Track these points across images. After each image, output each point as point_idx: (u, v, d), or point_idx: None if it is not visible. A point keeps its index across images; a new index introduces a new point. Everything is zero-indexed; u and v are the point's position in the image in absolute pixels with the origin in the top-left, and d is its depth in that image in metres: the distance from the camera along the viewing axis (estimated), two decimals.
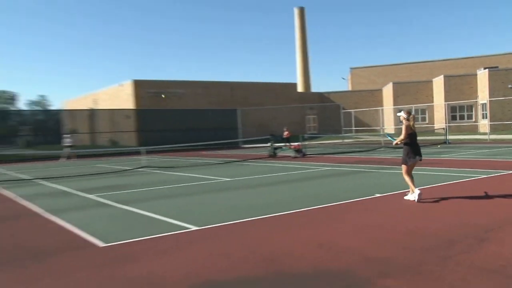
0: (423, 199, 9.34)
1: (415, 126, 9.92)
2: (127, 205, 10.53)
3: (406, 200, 9.66)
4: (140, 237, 7.18)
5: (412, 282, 4.71)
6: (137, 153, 29.62)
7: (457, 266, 5.19)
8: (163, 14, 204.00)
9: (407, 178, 9.66)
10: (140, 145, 32.77)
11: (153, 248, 6.56)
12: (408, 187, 9.72)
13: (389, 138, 11.45)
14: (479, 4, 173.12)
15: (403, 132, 9.63)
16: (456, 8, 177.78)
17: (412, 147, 9.67)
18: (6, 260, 6.34)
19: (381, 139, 37.06)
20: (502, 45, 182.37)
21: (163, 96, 46.62)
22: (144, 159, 24.23)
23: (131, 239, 7.08)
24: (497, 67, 47.67)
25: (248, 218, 8.39)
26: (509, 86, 43.06)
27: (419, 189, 9.50)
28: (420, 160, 9.84)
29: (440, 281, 4.71)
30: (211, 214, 9.05)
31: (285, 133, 35.61)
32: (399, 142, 9.94)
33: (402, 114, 9.85)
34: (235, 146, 40.46)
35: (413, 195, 9.46)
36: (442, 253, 5.69)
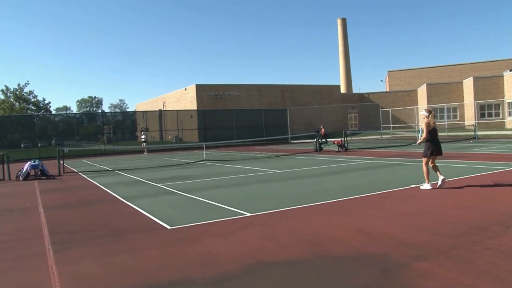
0: (444, 187, 9.14)
1: (436, 123, 9.80)
2: (189, 193, 10.67)
3: (436, 189, 9.42)
4: (201, 221, 7.26)
5: (444, 265, 4.55)
6: (199, 148, 30.04)
7: (485, 250, 5.00)
8: (222, 28, 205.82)
9: (425, 169, 9.66)
10: (201, 141, 33.22)
11: (211, 231, 6.61)
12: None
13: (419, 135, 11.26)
14: (501, 13, 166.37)
15: (424, 130, 9.60)
16: (481, 20, 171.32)
17: (432, 142, 9.60)
18: (94, 236, 6.57)
19: (416, 135, 36.20)
20: None
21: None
22: (204, 153, 24.52)
23: (193, 223, 7.17)
24: None
25: (295, 206, 8.33)
26: None
27: (430, 184, 9.54)
28: (440, 155, 9.75)
29: (470, 264, 4.55)
30: (262, 202, 9.04)
31: (322, 130, 35.35)
32: (422, 141, 9.80)
33: (424, 113, 9.78)
34: (284, 141, 40.37)
35: (427, 185, 9.52)
36: (472, 239, 5.49)
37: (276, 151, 28.41)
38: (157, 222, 7.38)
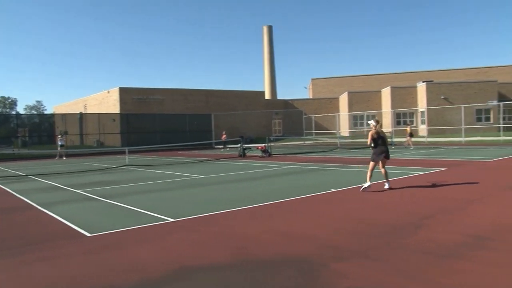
0: (369, 190, 9.58)
1: (383, 131, 10.79)
2: (110, 199, 10.40)
3: (355, 193, 9.92)
4: (123, 227, 7.11)
5: (361, 265, 4.81)
6: (121, 152, 29.34)
7: (398, 249, 5.33)
8: (146, 28, 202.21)
9: (369, 172, 10.40)
10: (124, 146, 32.46)
11: (134, 237, 6.50)
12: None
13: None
14: (417, 29, 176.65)
15: (369, 137, 10.51)
16: (398, 32, 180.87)
17: (378, 148, 10.41)
18: (5, 248, 6.21)
19: (338, 141, 37.43)
20: (437, 62, 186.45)
21: None
22: (127, 158, 23.99)
23: (115, 229, 7.00)
24: (432, 80, 48.83)
25: (219, 211, 8.37)
26: (442, 97, 44.19)
27: (371, 183, 10.26)
28: (386, 158, 10.60)
29: (384, 263, 4.84)
30: (186, 207, 9.01)
31: (223, 136, 35.89)
32: (368, 146, 10.81)
33: (372, 123, 10.65)
34: (209, 147, 40.33)
35: (366, 184, 10.26)
36: (386, 239, 5.82)
37: (200, 156, 28.33)
38: (76, 230, 7.13)
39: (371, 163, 10.47)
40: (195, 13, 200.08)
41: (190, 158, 26.71)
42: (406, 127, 30.88)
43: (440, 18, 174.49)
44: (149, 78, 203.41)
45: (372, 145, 10.47)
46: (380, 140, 10.45)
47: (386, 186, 10.47)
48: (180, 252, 5.62)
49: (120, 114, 43.65)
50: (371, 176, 10.31)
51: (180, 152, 35.21)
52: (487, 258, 4.93)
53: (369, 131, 10.56)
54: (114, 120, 42.78)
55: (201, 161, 24.01)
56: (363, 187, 10.24)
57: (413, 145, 30.45)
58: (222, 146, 35.14)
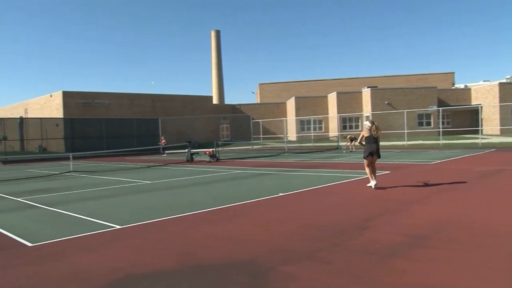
0: (310, 194, 9.68)
1: (379, 131, 11.29)
2: (54, 207, 10.06)
3: (302, 197, 10.07)
4: (66, 236, 6.89)
5: (307, 267, 4.89)
6: (65, 158, 28.48)
7: (344, 251, 5.47)
8: (90, 30, 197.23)
9: (367, 170, 11.20)
10: (68, 151, 31.54)
11: (78, 245, 6.32)
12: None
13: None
14: (361, 36, 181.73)
15: (360, 135, 11.48)
16: (342, 39, 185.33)
17: (368, 147, 11.12)
18: None
19: (285, 145, 37.85)
20: (380, 69, 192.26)
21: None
22: (71, 164, 23.31)
23: (58, 238, 6.78)
24: (376, 86, 50.33)
25: (166, 216, 8.29)
26: (385, 102, 45.66)
27: (374, 181, 11.00)
28: (376, 157, 11.17)
29: (330, 265, 4.94)
30: (133, 214, 8.85)
31: (162, 141, 35.69)
32: (359, 143, 11.74)
33: (367, 123, 11.37)
34: (156, 152, 39.75)
35: (372, 183, 11.00)
36: (332, 241, 5.95)
37: (147, 162, 27.91)
38: (16, 240, 6.85)
39: (365, 161, 11.23)
40: (142, 16, 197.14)
41: (137, 164, 26.27)
42: (348, 135, 31.82)
43: (382, 27, 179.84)
44: (94, 82, 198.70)
45: (363, 142, 11.31)
46: (371, 139, 11.10)
47: (373, 183, 11.00)
48: (126, 260, 5.52)
49: (64, 118, 42.37)
50: (371, 174, 11.07)
51: (127, 158, 34.55)
52: (425, 255, 5.15)
53: (350, 134, 11.31)
54: (57, 125, 41.46)
55: (149, 166, 23.66)
56: (368, 184, 11.15)
57: (359, 149, 31.25)
58: (161, 152, 35.01)
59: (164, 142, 36.12)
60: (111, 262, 5.43)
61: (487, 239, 5.82)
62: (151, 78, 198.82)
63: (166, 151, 37.82)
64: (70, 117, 42.89)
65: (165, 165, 24.26)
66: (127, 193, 12.41)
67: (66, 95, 44.79)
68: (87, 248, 6.19)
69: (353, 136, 31.05)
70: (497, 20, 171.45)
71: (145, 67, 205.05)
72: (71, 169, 21.91)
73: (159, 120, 45.17)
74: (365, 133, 11.23)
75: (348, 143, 30.71)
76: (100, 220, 8.16)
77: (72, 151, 29.16)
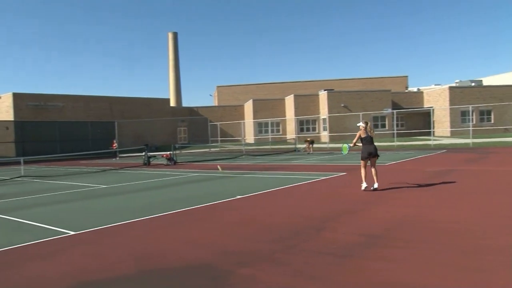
0: (268, 197, 9.74)
1: (373, 132, 11.17)
2: (3, 213, 9.70)
3: (260, 199, 10.14)
4: (18, 244, 6.67)
5: (265, 269, 4.93)
6: (16, 163, 27.60)
7: (301, 252, 5.54)
8: (43, 32, 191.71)
9: (362, 172, 10.98)
10: (19, 156, 30.56)
11: (30, 253, 6.14)
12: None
13: (347, 146, 12.05)
14: (319, 39, 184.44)
15: (356, 137, 11.12)
16: (300, 41, 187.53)
17: (365, 148, 10.89)
18: None
19: (243, 148, 37.90)
20: (337, 71, 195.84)
21: None
22: (22, 169, 22.59)
23: (9, 246, 6.55)
24: (333, 89, 51.12)
25: (122, 221, 8.16)
26: (342, 105, 46.47)
27: (376, 183, 10.74)
28: (374, 156, 10.94)
29: (287, 266, 4.99)
30: (88, 219, 8.66)
31: (113, 144, 35.23)
32: (353, 144, 11.40)
33: (361, 124, 11.13)
34: (112, 155, 38.96)
35: (363, 185, 10.78)
36: (289, 243, 6.01)
37: (103, 166, 27.33)
38: None
39: (361, 162, 11.01)
40: (99, 18, 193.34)
41: (93, 168, 25.68)
42: (307, 138, 31.93)
43: (340, 31, 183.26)
44: (47, 84, 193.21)
45: (359, 144, 11.11)
46: (367, 140, 10.92)
47: (375, 186, 10.72)
48: (81, 267, 5.40)
49: (14, 121, 40.98)
50: (365, 176, 10.86)
51: (82, 162, 33.70)
52: (380, 254, 5.29)
53: (307, 136, 11.04)
54: (7, 128, 40.04)
55: (104, 170, 23.18)
56: (363, 187, 10.78)
57: (316, 151, 31.62)
58: (114, 156, 34.52)
59: (115, 146, 35.39)
60: (66, 270, 5.30)
61: (439, 236, 6.02)
62: (107, 81, 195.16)
63: (121, 155, 37.20)
64: (21, 120, 41.51)
65: (122, 169, 23.85)
66: (82, 198, 12.13)
67: (17, 97, 43.31)
68: (40, 255, 6.02)
69: (311, 139, 31.41)
70: (448, 27, 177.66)
71: (102, 70, 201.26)
72: (22, 174, 21.23)
73: (116, 123, 44.37)
74: (361, 134, 10.95)
75: (306, 145, 30.98)
76: (54, 226, 7.94)
77: (23, 155, 28.30)
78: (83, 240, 6.82)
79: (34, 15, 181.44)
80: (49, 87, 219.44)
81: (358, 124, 11.36)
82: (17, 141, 39.42)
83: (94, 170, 23.43)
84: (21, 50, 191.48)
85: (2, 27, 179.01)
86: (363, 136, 10.96)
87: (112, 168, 24.66)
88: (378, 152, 11.10)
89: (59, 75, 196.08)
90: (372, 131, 11.06)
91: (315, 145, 32.11)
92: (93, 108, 48.57)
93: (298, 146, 36.09)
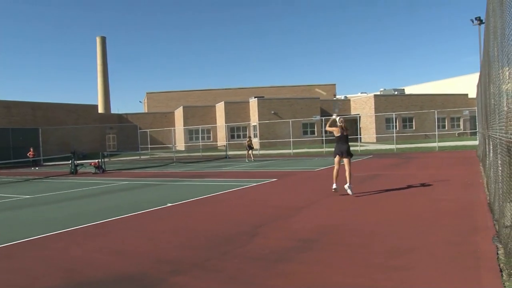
0: (196, 205, 9.70)
1: (347, 130, 10.95)
2: None
3: (191, 207, 10.08)
4: None
5: (198, 277, 4.89)
6: None
7: (234, 258, 5.54)
8: None
9: (334, 171, 10.80)
10: None
11: None
12: None
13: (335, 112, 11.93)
14: (249, 45, 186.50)
15: (329, 126, 11.02)
16: (231, 48, 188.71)
17: (337, 146, 10.77)
18: None
19: (173, 155, 37.46)
20: (268, 79, 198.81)
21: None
22: None
23: None
24: (263, 96, 51.77)
25: (48, 233, 7.78)
26: (272, 112, 47.18)
27: (337, 186, 10.75)
28: (345, 157, 10.67)
29: (221, 273, 4.99)
30: (9, 232, 8.21)
31: (30, 153, 34.00)
32: (327, 128, 11.11)
33: (334, 117, 11.05)
34: (36, 164, 37.24)
35: (335, 186, 10.74)
36: (222, 249, 6.00)
37: (26, 175, 26.02)
38: None
39: (335, 159, 10.80)
40: (22, 19, 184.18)
41: (15, 177, 24.39)
42: (246, 142, 30.16)
43: (271, 39, 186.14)
44: None
45: (330, 129, 10.92)
46: (341, 138, 10.74)
47: (348, 191, 10.41)
48: (3, 283, 5.10)
49: None
50: (337, 176, 10.70)
51: (2, 171, 31.95)
52: (313, 258, 5.41)
53: (247, 140, 10.50)
54: None
55: (28, 179, 22.08)
56: (334, 188, 10.73)
57: (256, 158, 31.50)
58: (32, 165, 33.10)
59: (33, 155, 33.71)
60: None
61: (365, 239, 6.23)
62: (30, 85, 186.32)
63: (46, 163, 35.60)
64: None
65: (47, 178, 22.81)
66: (4, 209, 11.47)
67: None
68: None
69: (249, 142, 29.70)
70: (375, 37, 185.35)
71: (25, 73, 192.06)
72: None
73: (39, 130, 42.42)
74: (336, 132, 10.73)
75: (247, 152, 29.54)
76: None
77: None
78: (5, 255, 6.44)
79: None
80: None
81: (334, 117, 11.10)
82: None
83: (16, 180, 22.28)
84: None
85: None
86: (337, 134, 10.76)
87: (37, 177, 23.53)
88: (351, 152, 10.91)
89: None
90: (347, 130, 10.87)
91: (246, 152, 31.60)
92: (15, 114, 46.21)
93: (229, 153, 36.18)
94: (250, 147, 29.55)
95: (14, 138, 40.89)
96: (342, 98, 60.01)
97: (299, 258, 5.44)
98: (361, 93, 63.89)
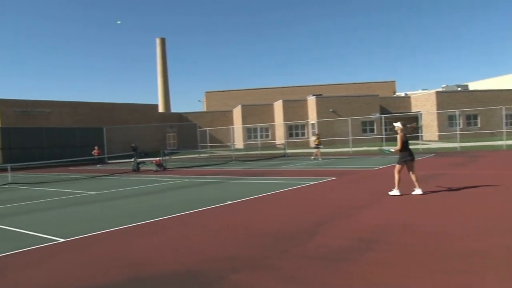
0: (257, 202, 9.70)
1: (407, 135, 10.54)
2: None
3: (250, 205, 10.09)
4: (7, 252, 6.57)
5: (258, 274, 4.90)
6: (3, 170, 27.32)
7: (293, 257, 5.51)
8: (29, 39, 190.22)
9: (396, 177, 10.43)
10: (6, 163, 30.25)
11: (19, 261, 6.05)
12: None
13: (386, 150, 11.87)
14: (305, 44, 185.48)
15: (399, 142, 10.30)
16: (287, 47, 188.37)
17: (406, 152, 10.37)
18: None
19: (232, 153, 37.85)
20: (325, 78, 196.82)
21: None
22: (10, 176, 22.34)
23: None
24: (321, 94, 51.27)
25: (111, 228, 8.08)
26: (330, 110, 46.63)
27: (419, 189, 10.39)
28: (412, 160, 10.52)
29: (280, 271, 4.97)
30: (77, 226, 8.57)
31: (95, 151, 34.95)
32: (397, 150, 10.46)
33: (399, 125, 10.45)
34: (101, 162, 38.72)
35: (396, 191, 10.37)
36: (281, 248, 5.99)
37: (92, 172, 27.11)
38: None
39: (398, 167, 10.48)
40: (85, 22, 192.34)
41: (82, 174, 25.47)
42: (315, 139, 28.32)
43: (330, 37, 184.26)
44: (34, 90, 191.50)
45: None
46: (407, 143, 10.41)
47: (419, 192, 10.30)
48: (71, 274, 5.32)
49: (1, 128, 40.59)
50: (399, 181, 10.39)
51: (71, 168, 33.44)
52: (374, 258, 5.29)
53: (316, 138, 10.30)
54: None
55: (93, 176, 23.00)
56: (391, 192, 10.45)
57: (306, 156, 31.31)
58: (97, 163, 34.31)
59: (98, 153, 34.97)
60: (54, 277, 5.23)
61: (428, 240, 6.03)
62: (95, 87, 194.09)
63: (110, 161, 36.90)
64: (7, 126, 41.12)
65: (111, 175, 23.67)
66: (71, 204, 12.00)
67: (3, 104, 42.94)
68: (30, 263, 5.93)
69: (318, 139, 27.85)
70: (435, 32, 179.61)
71: (90, 75, 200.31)
72: (10, 181, 20.98)
73: (104, 129, 44.06)
74: (401, 139, 10.27)
75: (316, 151, 27.87)
76: (42, 233, 7.84)
77: (10, 162, 27.97)
78: (73, 247, 6.74)
79: (24, 15, 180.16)
80: (35, 93, 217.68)
81: (395, 124, 10.61)
82: (4, 148, 38.99)
83: (83, 177, 23.24)
84: (6, 53, 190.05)
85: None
86: (403, 139, 10.32)
87: (101, 174, 24.47)
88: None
89: (45, 81, 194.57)
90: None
91: (304, 150, 31.32)
92: (80, 114, 48.26)
93: (288, 151, 36.09)
94: (318, 145, 27.72)
95: (81, 137, 42.73)
96: (402, 95, 58.47)
97: (360, 258, 5.33)
98: (422, 89, 62.04)
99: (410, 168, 10.59)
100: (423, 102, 50.02)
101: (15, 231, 8.34)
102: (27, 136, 40.36)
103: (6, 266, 5.82)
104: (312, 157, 28.17)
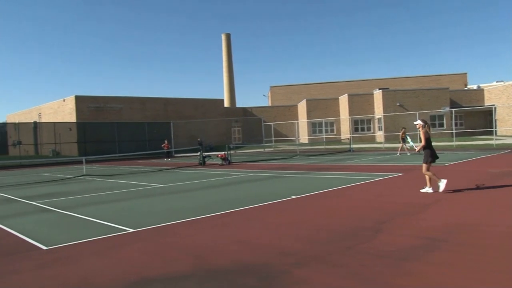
0: (322, 197, 9.60)
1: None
2: (67, 210, 10.13)
3: (315, 200, 10.01)
4: (80, 239, 6.92)
5: (321, 270, 4.85)
6: (78, 162, 28.69)
7: (357, 254, 5.41)
8: (102, 36, 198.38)
9: (428, 174, 10.26)
10: (81, 155, 31.80)
11: (92, 249, 6.35)
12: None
13: (412, 144, 11.74)
14: (371, 36, 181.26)
15: (423, 139, 10.18)
16: (352, 40, 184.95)
17: (431, 149, 10.23)
18: None
19: (297, 148, 37.77)
20: (391, 71, 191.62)
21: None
22: (84, 168, 23.46)
23: (71, 242, 6.81)
24: (388, 88, 49.98)
25: (179, 220, 8.29)
26: (397, 104, 45.36)
27: (432, 189, 10.19)
28: (436, 159, 10.38)
29: (343, 268, 4.90)
30: (145, 217, 8.88)
31: (165, 145, 35.49)
32: (420, 148, 10.38)
33: (419, 122, 10.37)
34: (168, 155, 39.93)
35: (428, 188, 10.21)
36: (345, 244, 5.90)
37: (159, 165, 27.98)
38: (31, 243, 6.90)
39: (425, 165, 10.27)
40: (154, 21, 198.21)
41: (150, 167, 26.36)
42: (401, 133, 26.50)
43: (397, 29, 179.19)
44: (106, 86, 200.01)
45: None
46: (430, 141, 10.27)
47: (430, 190, 10.22)
48: (139, 263, 5.52)
49: (77, 123, 42.74)
50: (430, 179, 10.24)
51: (139, 161, 34.70)
52: (441, 258, 5.08)
53: (400, 132, 10.09)
54: (70, 129, 41.86)
55: (161, 170, 23.73)
56: (423, 190, 10.32)
57: (371, 151, 30.72)
58: (165, 156, 35.17)
59: (167, 147, 35.85)
60: (125, 265, 5.44)
61: (500, 241, 5.74)
62: (162, 82, 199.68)
63: (176, 155, 37.83)
64: (82, 121, 43.24)
65: (178, 168, 24.32)
66: (140, 196, 12.45)
67: (79, 100, 45.20)
68: (101, 251, 6.21)
69: (404, 132, 25.86)
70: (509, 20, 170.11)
71: (157, 71, 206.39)
72: (84, 173, 22.06)
73: (171, 124, 45.29)
74: (425, 135, 10.14)
75: (402, 144, 26.52)
76: (113, 223, 8.19)
77: (85, 155, 29.40)
78: (141, 238, 6.98)
79: (95, 19, 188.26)
80: (107, 89, 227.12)
81: (415, 123, 10.56)
82: (79, 142, 41.07)
83: (151, 170, 24.02)
84: (82, 54, 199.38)
85: (66, 35, 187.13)
86: (427, 136, 10.17)
87: (169, 167, 25.18)
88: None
89: (117, 78, 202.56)
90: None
91: (370, 145, 30.64)
92: (149, 109, 49.93)
93: (353, 146, 35.54)
94: (404, 139, 25.78)
95: (149, 131, 44.19)
96: (475, 88, 55.87)
97: (426, 257, 5.15)
98: (497, 82, 58.94)
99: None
100: (497, 95, 47.55)
101: (88, 220, 8.76)
102: (100, 130, 42.28)
103: (80, 253, 6.12)
104: (399, 153, 26.68)
